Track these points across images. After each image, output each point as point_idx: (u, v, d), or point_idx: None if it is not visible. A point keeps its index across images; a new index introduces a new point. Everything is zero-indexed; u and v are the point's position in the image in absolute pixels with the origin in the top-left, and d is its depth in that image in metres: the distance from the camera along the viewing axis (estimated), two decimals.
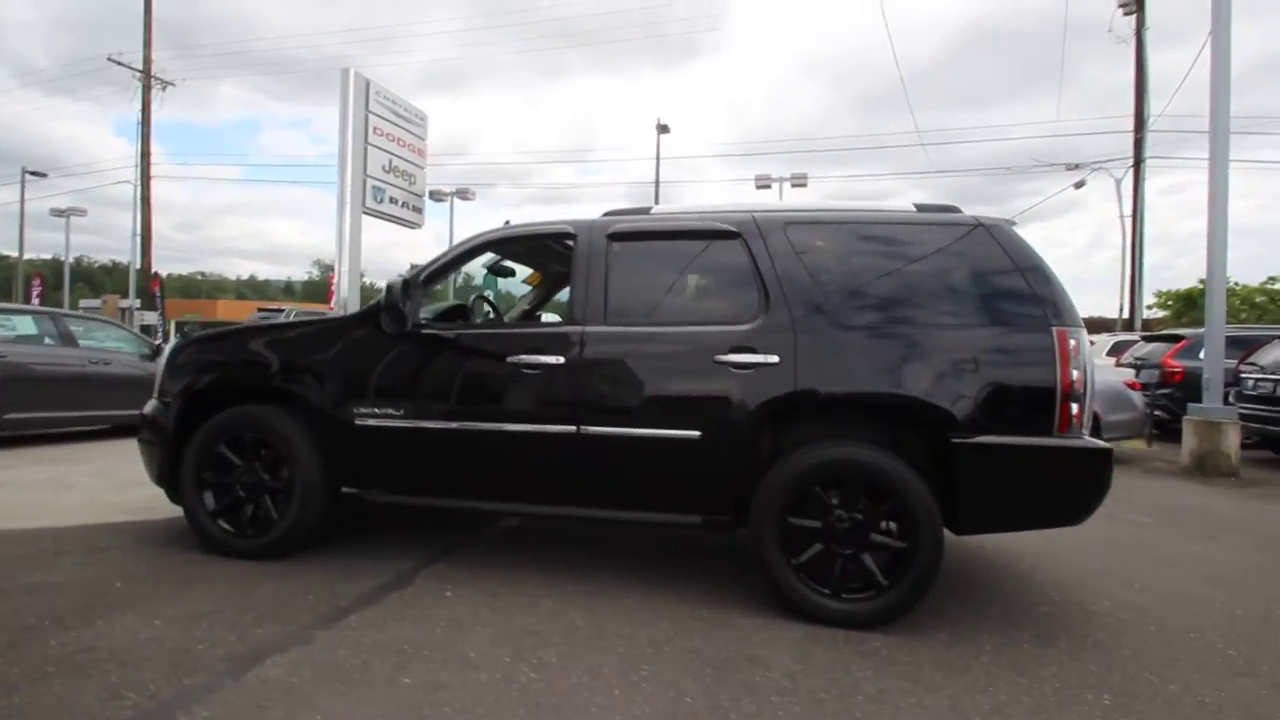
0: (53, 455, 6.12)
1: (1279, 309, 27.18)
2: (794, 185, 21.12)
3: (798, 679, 2.30)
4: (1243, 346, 8.24)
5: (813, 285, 2.89)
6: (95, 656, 2.27)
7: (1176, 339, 9.52)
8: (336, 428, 3.21)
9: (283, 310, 26.19)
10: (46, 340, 6.94)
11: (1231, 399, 7.41)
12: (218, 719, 1.93)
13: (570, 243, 3.24)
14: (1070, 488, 2.69)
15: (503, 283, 4.20)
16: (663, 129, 22.72)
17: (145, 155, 25.25)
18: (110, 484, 4.89)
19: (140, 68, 24.59)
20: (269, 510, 3.29)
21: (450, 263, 3.38)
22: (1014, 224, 2.94)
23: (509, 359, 3.05)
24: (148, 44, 24.40)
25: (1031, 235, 3.04)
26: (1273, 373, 7.21)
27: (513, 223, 3.58)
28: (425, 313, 3.51)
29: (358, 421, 3.18)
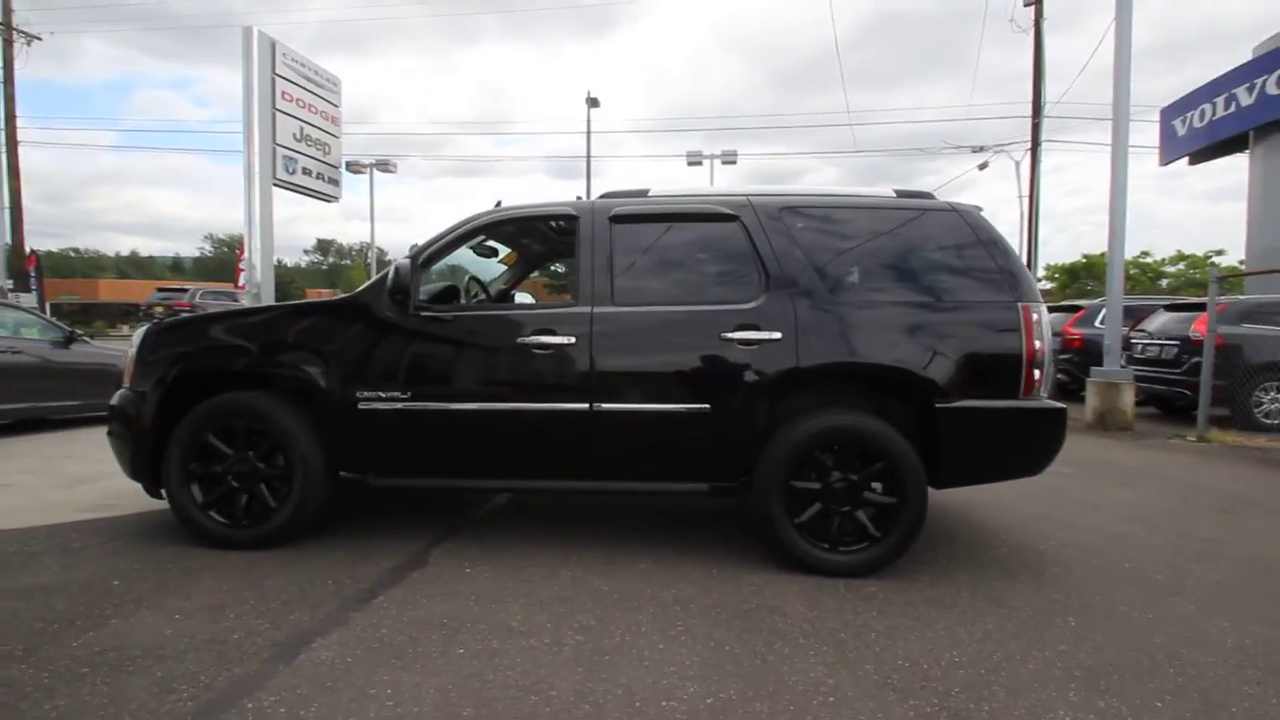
0: None
1: (1148, 281, 30.30)
2: (724, 162, 21.52)
3: (816, 623, 2.54)
4: (1130, 315, 9.27)
5: (809, 266, 3.11)
6: (127, 654, 2.21)
7: (1075, 309, 10.54)
8: (338, 412, 3.16)
9: (186, 290, 24.39)
10: None
11: (1122, 362, 8.35)
12: (286, 703, 1.95)
13: (570, 225, 3.30)
14: (1034, 443, 3.06)
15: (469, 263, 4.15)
16: (592, 103, 22.44)
17: (10, 119, 22.55)
18: (52, 482, 4.55)
19: None
20: (265, 499, 3.22)
21: (448, 244, 3.36)
22: (981, 210, 3.25)
23: (519, 340, 3.10)
24: None
25: None
26: (1159, 338, 8.17)
27: (504, 203, 3.58)
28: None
29: (361, 405, 3.15)
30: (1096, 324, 9.49)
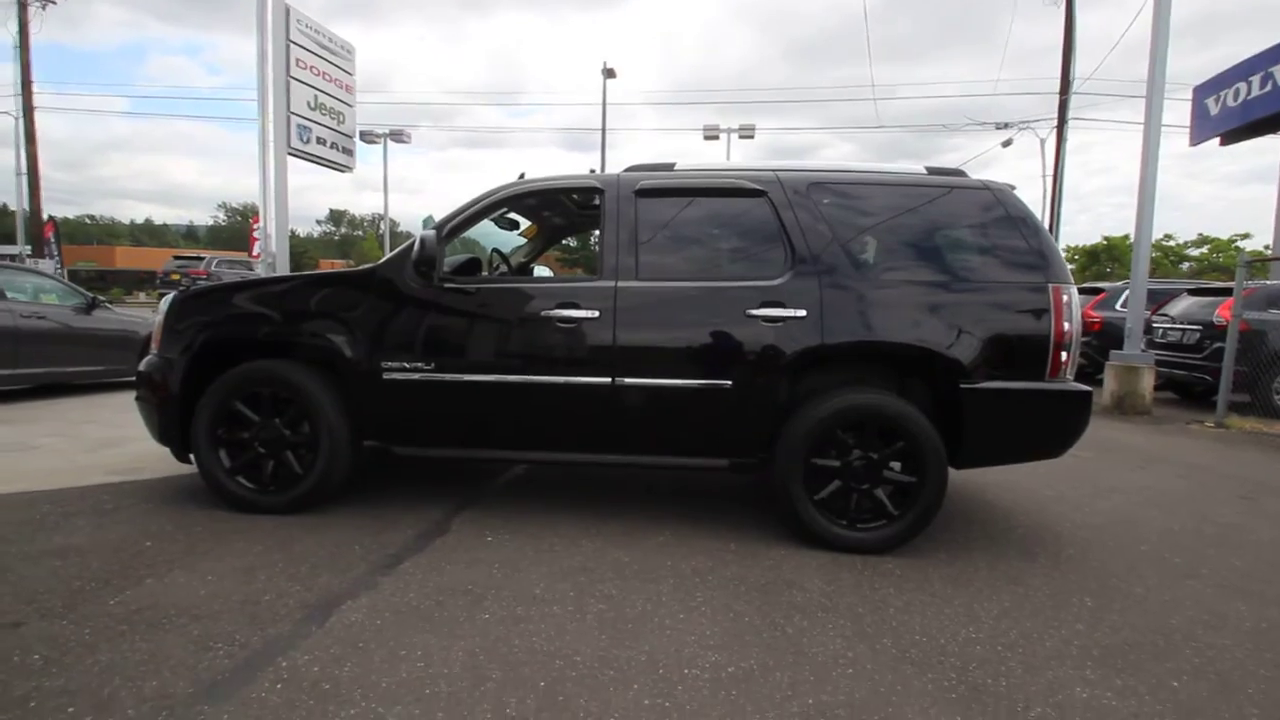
0: None
1: (1170, 264, 29.80)
2: (741, 136, 21.20)
3: (834, 598, 2.57)
4: (1153, 300, 9.13)
5: (836, 243, 3.08)
6: (164, 613, 2.28)
7: (1096, 291, 10.39)
8: (363, 382, 3.20)
9: (202, 259, 24.50)
10: None
11: (1142, 346, 8.26)
12: (320, 662, 2.01)
13: (595, 199, 3.28)
14: (1058, 425, 3.04)
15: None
16: (608, 74, 22.09)
17: (27, 85, 22.55)
18: (79, 445, 4.65)
19: None
20: (292, 465, 3.27)
21: (472, 216, 3.35)
22: (1014, 188, 3.20)
23: (543, 313, 3.11)
24: None
25: None
26: (1182, 322, 8.05)
27: (528, 176, 3.56)
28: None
29: (385, 376, 3.18)
30: (1117, 307, 9.37)
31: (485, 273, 3.83)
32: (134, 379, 3.51)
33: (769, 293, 3.04)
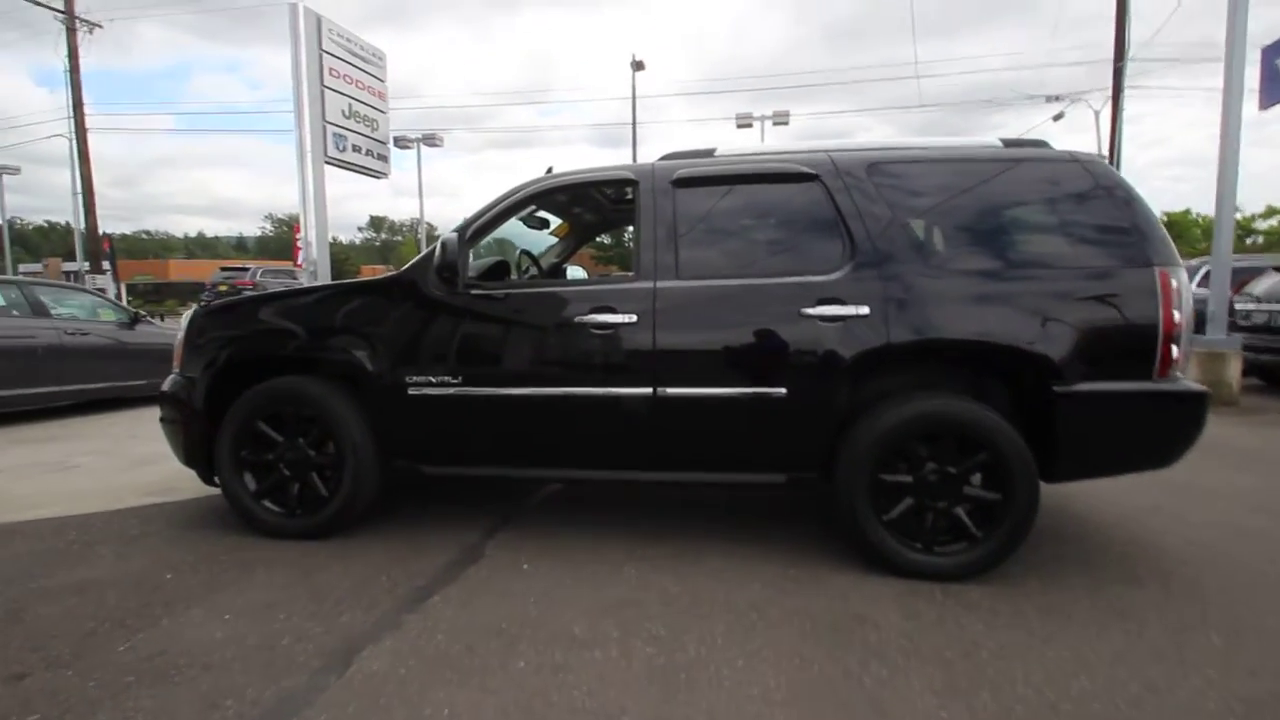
0: (36, 435, 5.74)
1: (1237, 238, 28.05)
2: (775, 123, 20.63)
3: (915, 638, 2.25)
4: (1234, 278, 8.40)
5: (901, 229, 2.74)
6: (174, 661, 2.10)
7: None
8: (387, 398, 3.00)
9: (247, 269, 25.11)
10: (14, 312, 6.43)
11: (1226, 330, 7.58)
12: None
13: (629, 191, 3.00)
14: (1168, 432, 2.65)
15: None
16: (637, 66, 21.77)
17: (78, 106, 23.39)
18: (118, 464, 4.60)
19: (61, 7, 22.51)
20: (317, 487, 3.09)
21: (497, 216, 3.11)
22: (1105, 159, 2.80)
23: (577, 319, 2.85)
24: None
25: None
26: (1268, 302, 7.36)
27: (555, 170, 3.31)
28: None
29: (411, 391, 2.97)
30: (1196, 287, 8.66)
31: (514, 276, 3.60)
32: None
33: (826, 289, 2.71)
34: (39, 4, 22.62)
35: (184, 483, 3.99)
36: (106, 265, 23.03)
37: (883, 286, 2.68)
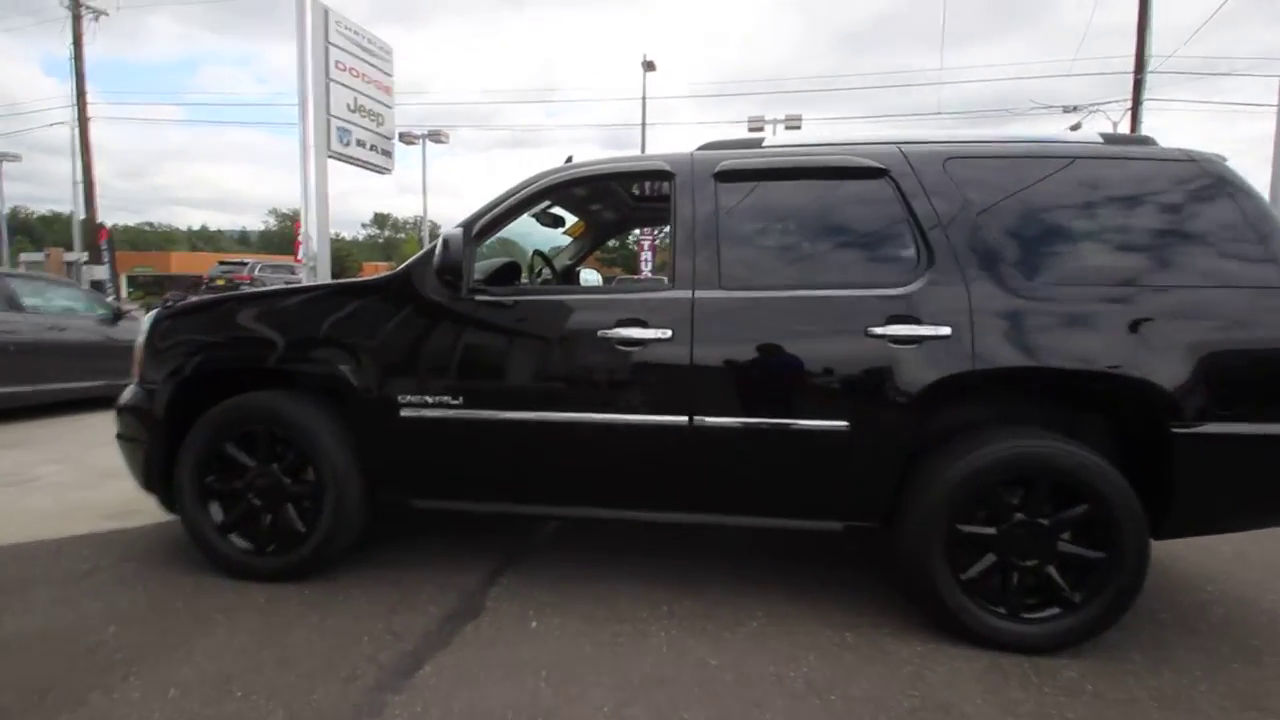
0: (3, 439, 5.31)
1: None
2: (788, 128, 20.16)
3: None
4: None
5: (987, 236, 2.30)
6: None
7: None
8: (375, 419, 2.57)
9: (246, 263, 24.70)
10: None
11: None
12: None
13: (663, 185, 2.58)
14: None
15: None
16: (648, 66, 21.37)
17: (81, 95, 23.03)
18: (80, 477, 4.18)
19: None
20: (293, 521, 2.67)
21: (508, 211, 2.67)
22: (1225, 159, 2.38)
23: (600, 333, 2.42)
24: None
25: None
26: None
27: (575, 159, 2.88)
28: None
29: (404, 412, 2.54)
30: None
31: (525, 279, 3.17)
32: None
33: (897, 304, 2.28)
34: None
35: (147, 504, 3.53)
36: (105, 256, 22.61)
37: (967, 303, 2.25)
